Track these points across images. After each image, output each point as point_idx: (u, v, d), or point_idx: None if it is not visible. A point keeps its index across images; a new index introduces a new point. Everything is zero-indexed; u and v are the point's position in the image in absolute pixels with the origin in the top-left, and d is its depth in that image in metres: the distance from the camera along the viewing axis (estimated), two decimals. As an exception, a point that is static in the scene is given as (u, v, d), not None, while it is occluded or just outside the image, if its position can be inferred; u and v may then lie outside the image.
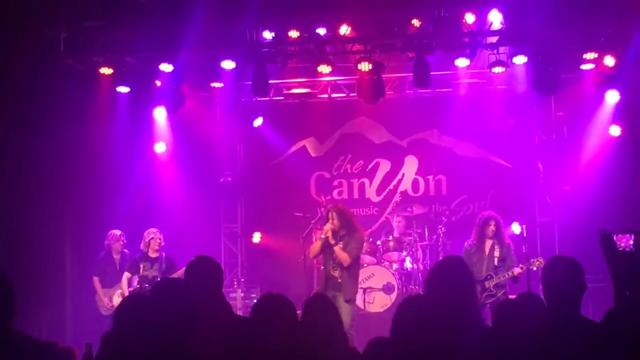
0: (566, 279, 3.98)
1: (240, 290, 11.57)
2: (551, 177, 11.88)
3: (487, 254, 9.36)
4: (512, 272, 9.15)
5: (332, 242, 8.80)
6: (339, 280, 8.81)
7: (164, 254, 9.83)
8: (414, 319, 3.52)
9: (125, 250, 10.33)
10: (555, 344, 3.79)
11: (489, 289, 9.07)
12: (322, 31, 10.14)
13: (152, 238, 9.81)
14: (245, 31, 10.09)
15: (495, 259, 9.29)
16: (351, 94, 11.97)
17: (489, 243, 9.42)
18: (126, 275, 9.91)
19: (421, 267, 11.08)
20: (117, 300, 9.94)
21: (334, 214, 8.98)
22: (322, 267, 9.14)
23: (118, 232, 10.31)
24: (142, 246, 9.90)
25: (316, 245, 9.09)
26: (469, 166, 12.37)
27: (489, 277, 9.16)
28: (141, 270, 9.69)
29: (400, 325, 3.55)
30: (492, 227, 9.37)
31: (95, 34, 10.15)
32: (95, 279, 10.23)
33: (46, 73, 9.81)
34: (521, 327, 4.04)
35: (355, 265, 9.01)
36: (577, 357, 3.72)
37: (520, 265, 9.19)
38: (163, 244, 9.91)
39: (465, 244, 9.63)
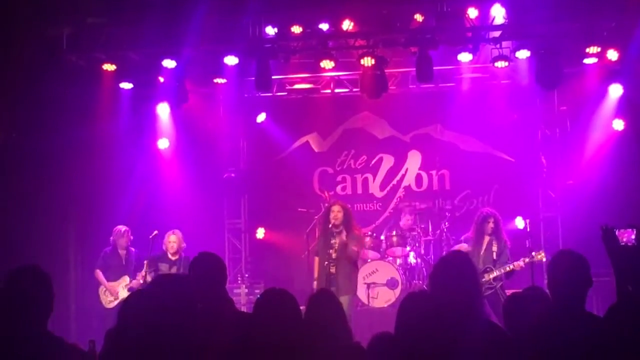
0: (571, 273, 3.95)
1: (244, 286, 11.58)
2: (554, 171, 11.88)
3: (484, 248, 9.38)
4: (513, 266, 9.16)
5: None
6: (337, 277, 8.97)
7: (183, 256, 9.81)
8: (419, 315, 3.53)
9: (132, 249, 10.27)
10: (560, 338, 3.79)
11: (488, 282, 9.07)
12: (324, 26, 10.13)
13: (169, 242, 9.86)
14: (248, 27, 10.09)
15: (494, 253, 9.30)
16: (354, 89, 11.99)
17: (487, 239, 9.44)
18: (141, 274, 9.79)
19: (425, 262, 11.09)
20: (122, 292, 9.92)
21: (339, 207, 9.10)
22: (323, 264, 9.18)
23: (123, 228, 10.19)
24: (163, 247, 9.96)
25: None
26: (472, 161, 12.36)
27: (488, 269, 9.16)
28: (159, 270, 9.60)
29: (405, 320, 3.56)
30: (490, 225, 9.39)
31: (98, 31, 10.17)
32: (98, 272, 10.18)
33: (49, 70, 9.82)
34: (528, 322, 4.05)
35: (354, 262, 9.25)
36: (580, 351, 3.71)
37: (523, 258, 9.18)
38: (184, 245, 9.93)
39: (462, 238, 9.70)
